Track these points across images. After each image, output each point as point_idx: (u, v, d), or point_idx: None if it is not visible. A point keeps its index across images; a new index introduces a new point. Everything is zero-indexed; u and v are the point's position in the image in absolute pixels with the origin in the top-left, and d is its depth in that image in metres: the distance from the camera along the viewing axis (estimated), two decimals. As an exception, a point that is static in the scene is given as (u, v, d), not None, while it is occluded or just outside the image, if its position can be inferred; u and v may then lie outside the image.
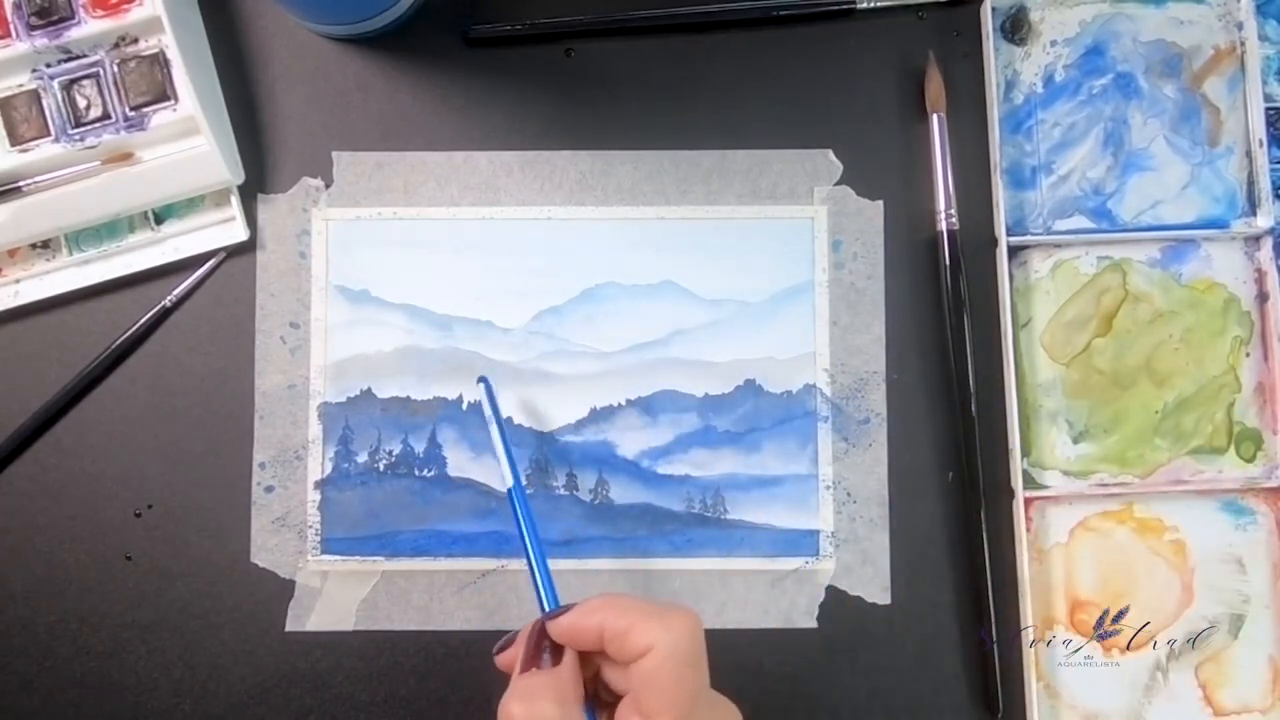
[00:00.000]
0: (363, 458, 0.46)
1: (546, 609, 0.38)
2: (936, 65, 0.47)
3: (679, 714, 0.33)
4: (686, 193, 0.47)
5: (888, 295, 0.47)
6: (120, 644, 0.45)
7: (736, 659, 0.45)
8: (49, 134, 0.44)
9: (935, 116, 0.47)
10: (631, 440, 0.46)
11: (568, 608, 0.36)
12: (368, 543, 0.46)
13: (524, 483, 0.46)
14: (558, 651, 0.36)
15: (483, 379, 0.44)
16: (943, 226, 0.46)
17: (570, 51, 0.48)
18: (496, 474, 0.46)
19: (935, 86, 0.47)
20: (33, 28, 0.44)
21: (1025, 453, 0.46)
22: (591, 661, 0.37)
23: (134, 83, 0.44)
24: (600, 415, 0.46)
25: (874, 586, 0.46)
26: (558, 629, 0.36)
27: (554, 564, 0.45)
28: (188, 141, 0.45)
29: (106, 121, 0.45)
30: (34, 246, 0.46)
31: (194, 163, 0.45)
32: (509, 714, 0.34)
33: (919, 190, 0.47)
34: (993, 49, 0.47)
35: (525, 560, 0.40)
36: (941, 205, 0.46)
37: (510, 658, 0.37)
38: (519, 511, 0.40)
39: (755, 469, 0.46)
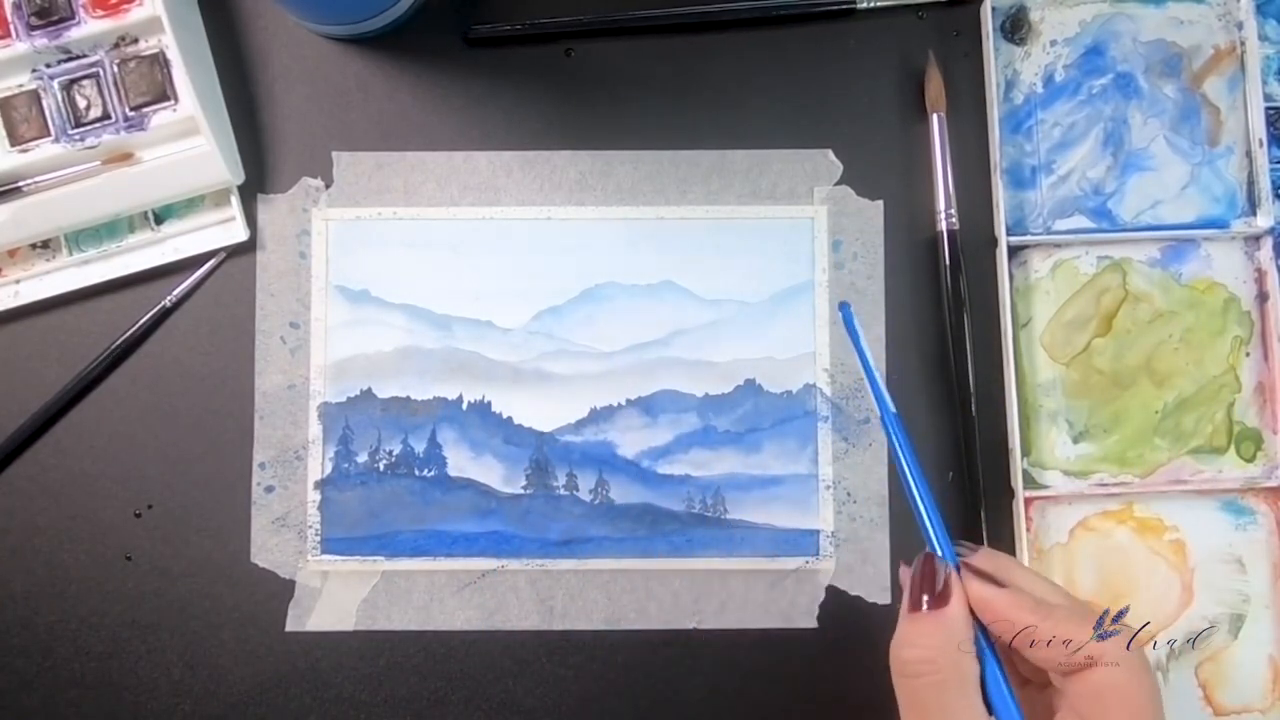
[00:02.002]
0: (363, 458, 0.46)
1: (934, 543, 0.36)
2: (936, 65, 0.47)
3: None
4: (686, 193, 0.47)
5: (888, 295, 0.47)
6: (120, 644, 0.45)
7: (736, 659, 0.45)
8: (49, 134, 0.44)
9: (935, 116, 0.47)
10: (631, 440, 0.46)
11: (963, 549, 0.35)
12: (368, 543, 0.46)
13: (525, 483, 0.46)
14: (945, 592, 0.34)
15: (844, 305, 0.45)
16: (943, 226, 0.46)
17: (570, 51, 0.48)
18: (496, 474, 0.46)
19: (935, 86, 0.47)
20: (33, 28, 0.44)
21: (1025, 453, 0.46)
22: None
23: (134, 83, 0.44)
24: (600, 415, 0.46)
25: (874, 586, 0.46)
26: (981, 602, 0.34)
27: (554, 564, 0.46)
28: (188, 141, 0.45)
29: (106, 121, 0.45)
30: (34, 246, 0.46)
31: (194, 163, 0.45)
32: (899, 659, 0.34)
33: (919, 190, 0.47)
34: (993, 49, 0.47)
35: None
36: (941, 205, 0.46)
37: (908, 578, 0.36)
38: (895, 439, 0.38)
39: (755, 469, 0.46)
